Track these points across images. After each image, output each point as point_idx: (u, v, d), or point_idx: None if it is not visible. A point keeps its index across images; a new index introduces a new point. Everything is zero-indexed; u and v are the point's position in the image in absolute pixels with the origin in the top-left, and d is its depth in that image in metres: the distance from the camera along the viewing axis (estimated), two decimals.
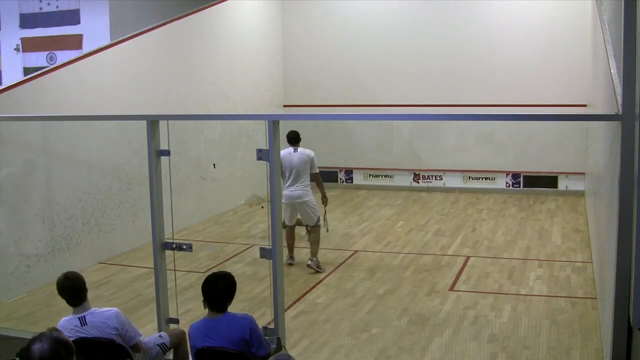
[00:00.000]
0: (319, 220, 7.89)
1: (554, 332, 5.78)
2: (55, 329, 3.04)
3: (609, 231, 4.68)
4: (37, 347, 2.81)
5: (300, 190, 7.72)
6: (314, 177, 7.90)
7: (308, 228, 7.98)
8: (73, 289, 4.28)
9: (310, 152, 7.85)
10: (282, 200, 7.69)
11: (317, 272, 7.57)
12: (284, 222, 7.84)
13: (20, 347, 2.95)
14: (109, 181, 8.49)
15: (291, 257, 7.99)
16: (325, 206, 8.17)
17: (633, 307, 3.65)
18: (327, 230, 8.66)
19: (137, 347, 4.36)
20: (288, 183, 7.76)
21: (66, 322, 4.29)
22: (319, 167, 7.99)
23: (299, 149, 7.80)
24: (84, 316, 4.25)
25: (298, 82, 13.40)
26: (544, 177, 12.14)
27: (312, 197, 7.86)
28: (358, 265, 7.97)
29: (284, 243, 7.65)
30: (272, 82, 13.07)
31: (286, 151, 7.76)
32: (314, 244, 7.79)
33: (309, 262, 7.68)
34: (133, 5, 11.84)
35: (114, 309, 4.33)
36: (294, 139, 7.86)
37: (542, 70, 11.92)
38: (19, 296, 7.10)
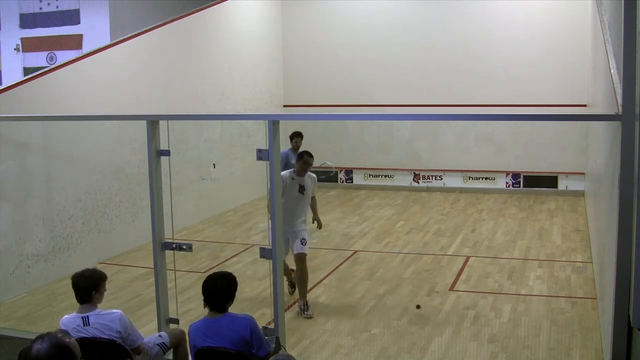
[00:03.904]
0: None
1: (554, 332, 5.78)
2: (65, 332, 3.04)
3: (609, 231, 4.68)
4: (36, 346, 2.82)
5: None
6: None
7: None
8: (81, 287, 4.27)
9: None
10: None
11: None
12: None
13: (21, 347, 2.95)
14: (109, 181, 8.49)
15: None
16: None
17: (633, 307, 3.65)
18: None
19: (138, 350, 4.36)
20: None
21: (68, 320, 4.28)
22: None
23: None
24: (88, 316, 4.25)
25: (298, 82, 13.40)
26: (544, 177, 12.14)
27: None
28: (358, 265, 7.96)
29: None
30: (272, 82, 13.07)
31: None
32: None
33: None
34: (133, 5, 11.84)
35: (118, 311, 4.32)
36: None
37: (542, 70, 11.92)
38: (19, 296, 7.10)
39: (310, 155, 6.60)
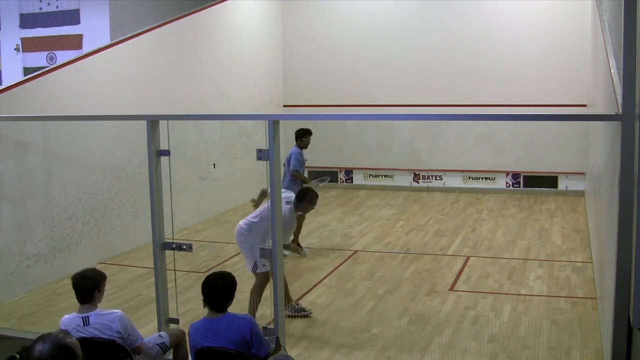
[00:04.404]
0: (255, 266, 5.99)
1: (554, 332, 5.78)
2: (66, 332, 3.04)
3: (609, 231, 4.68)
4: (38, 347, 2.82)
5: (241, 225, 6.14)
6: None
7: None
8: (84, 287, 4.28)
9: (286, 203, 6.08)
10: None
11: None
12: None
13: (21, 346, 2.95)
14: (109, 181, 8.49)
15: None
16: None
17: (633, 307, 3.65)
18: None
19: (138, 350, 4.36)
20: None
21: (69, 320, 4.29)
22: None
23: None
24: (88, 316, 4.25)
25: (298, 82, 13.40)
26: (544, 177, 12.14)
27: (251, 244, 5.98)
28: (358, 265, 7.96)
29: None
30: (272, 82, 13.07)
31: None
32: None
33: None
34: (133, 5, 11.84)
35: (118, 311, 4.32)
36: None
37: (542, 70, 11.92)
38: (19, 296, 7.10)
39: (317, 196, 6.30)
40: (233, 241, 9.14)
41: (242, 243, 6.07)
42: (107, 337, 4.22)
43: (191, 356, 4.23)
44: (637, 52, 3.67)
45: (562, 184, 12.08)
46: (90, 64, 8.41)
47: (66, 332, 3.06)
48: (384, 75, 12.85)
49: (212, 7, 11.01)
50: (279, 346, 4.48)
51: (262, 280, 5.87)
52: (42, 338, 2.86)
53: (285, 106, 13.41)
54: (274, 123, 4.69)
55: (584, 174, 11.54)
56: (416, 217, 10.52)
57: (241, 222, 6.16)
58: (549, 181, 12.13)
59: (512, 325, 5.94)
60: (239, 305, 5.51)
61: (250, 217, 6.14)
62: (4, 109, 7.03)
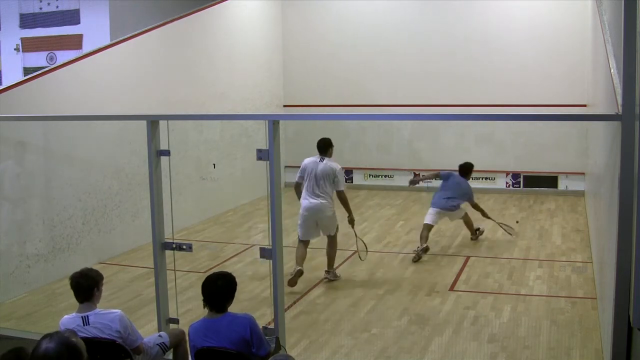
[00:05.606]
0: (337, 229, 7.35)
1: (554, 332, 5.78)
2: (72, 332, 3.04)
3: (609, 231, 4.68)
4: (44, 344, 2.84)
5: (321, 200, 7.14)
6: (337, 196, 7.26)
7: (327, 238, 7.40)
8: (85, 286, 4.28)
9: (335, 166, 7.27)
10: (301, 211, 7.20)
11: (333, 280, 7.24)
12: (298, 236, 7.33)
13: (7, 350, 2.96)
14: (109, 181, 8.49)
15: (299, 271, 7.03)
16: (353, 227, 7.57)
17: (633, 307, 3.65)
18: (362, 259, 7.74)
19: (138, 350, 4.36)
20: (307, 193, 7.17)
21: (68, 320, 4.29)
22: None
23: (326, 160, 7.31)
24: (87, 316, 4.25)
25: (298, 82, 13.39)
26: (544, 177, 12.14)
27: (333, 212, 7.31)
28: (358, 265, 7.96)
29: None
30: (272, 82, 13.07)
31: (311, 159, 7.33)
32: (331, 256, 7.33)
33: (326, 274, 7.32)
34: (133, 5, 11.84)
35: (118, 311, 4.32)
36: (322, 148, 7.41)
37: (542, 70, 11.92)
38: (19, 296, 7.10)
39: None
40: (233, 241, 9.19)
41: (326, 214, 7.25)
42: (107, 337, 4.22)
43: (191, 356, 4.23)
44: (637, 52, 3.67)
45: (562, 184, 12.08)
46: (90, 64, 8.41)
47: (73, 332, 3.07)
48: (384, 75, 12.85)
49: (212, 7, 11.01)
50: (279, 346, 4.48)
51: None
52: (50, 335, 2.88)
53: (285, 106, 13.40)
54: (274, 123, 4.68)
55: (584, 174, 11.54)
56: (416, 217, 10.50)
57: (315, 200, 7.16)
58: (549, 181, 12.13)
59: (512, 325, 5.95)
60: (239, 305, 5.51)
61: (317, 191, 7.16)
62: (4, 109, 7.03)
